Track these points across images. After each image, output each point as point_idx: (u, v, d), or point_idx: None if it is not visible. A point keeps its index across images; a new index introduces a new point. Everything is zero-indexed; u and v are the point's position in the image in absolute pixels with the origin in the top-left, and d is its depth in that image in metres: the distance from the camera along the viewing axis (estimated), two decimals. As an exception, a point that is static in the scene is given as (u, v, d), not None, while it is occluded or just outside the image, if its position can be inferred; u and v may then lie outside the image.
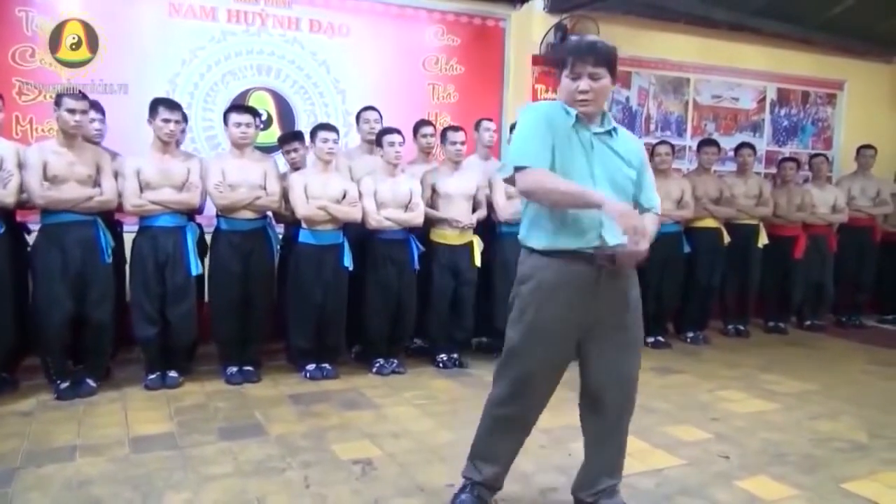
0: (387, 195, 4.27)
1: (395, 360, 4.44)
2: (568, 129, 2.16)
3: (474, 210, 4.59)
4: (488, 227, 4.73)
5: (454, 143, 4.48)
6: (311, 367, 4.25)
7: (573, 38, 2.28)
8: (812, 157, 6.46)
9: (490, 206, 4.65)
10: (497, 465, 2.49)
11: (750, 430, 3.52)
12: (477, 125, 5.05)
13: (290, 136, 4.58)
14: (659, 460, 3.06)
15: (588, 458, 2.46)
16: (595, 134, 2.20)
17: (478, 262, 4.57)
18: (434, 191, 4.50)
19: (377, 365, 4.39)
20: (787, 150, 6.82)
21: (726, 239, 5.60)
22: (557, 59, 2.21)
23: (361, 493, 2.68)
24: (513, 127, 2.55)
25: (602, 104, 2.21)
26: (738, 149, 5.90)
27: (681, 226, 5.45)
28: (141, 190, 3.83)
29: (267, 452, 3.05)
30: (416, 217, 4.33)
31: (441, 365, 4.56)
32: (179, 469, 2.86)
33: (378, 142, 4.35)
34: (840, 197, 6.21)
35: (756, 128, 6.75)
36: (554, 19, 5.59)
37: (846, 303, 6.45)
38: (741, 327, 5.90)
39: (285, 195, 4.19)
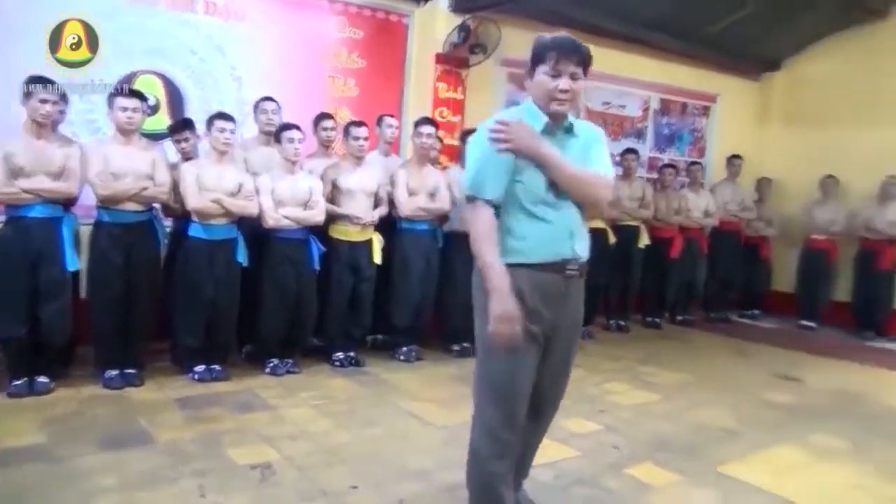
0: (285, 193, 4.15)
1: (290, 360, 4.33)
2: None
3: (375, 207, 4.56)
4: (389, 224, 4.71)
5: (357, 138, 4.41)
6: (199, 368, 4.05)
7: (545, 36, 2.14)
8: (689, 164, 6.94)
9: (391, 202, 4.64)
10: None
11: (635, 421, 3.73)
12: (379, 121, 5.02)
13: (182, 125, 4.34)
14: (555, 453, 3.17)
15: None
16: (558, 138, 2.14)
17: (378, 259, 4.54)
18: (335, 186, 4.42)
19: (271, 365, 4.26)
20: (666, 157, 7.26)
21: (612, 239, 5.90)
22: (535, 52, 2.13)
23: (261, 500, 2.60)
24: (466, 134, 2.50)
25: (575, 105, 2.20)
26: (623, 154, 6.22)
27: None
28: (12, 177, 3.50)
29: (155, 462, 2.88)
30: (316, 215, 4.23)
31: (337, 364, 4.49)
32: (55, 485, 2.63)
33: (277, 137, 4.21)
34: (712, 202, 6.70)
35: (640, 134, 7.13)
36: (458, 19, 5.63)
37: (715, 299, 6.98)
38: (622, 322, 6.24)
39: (175, 186, 3.98)
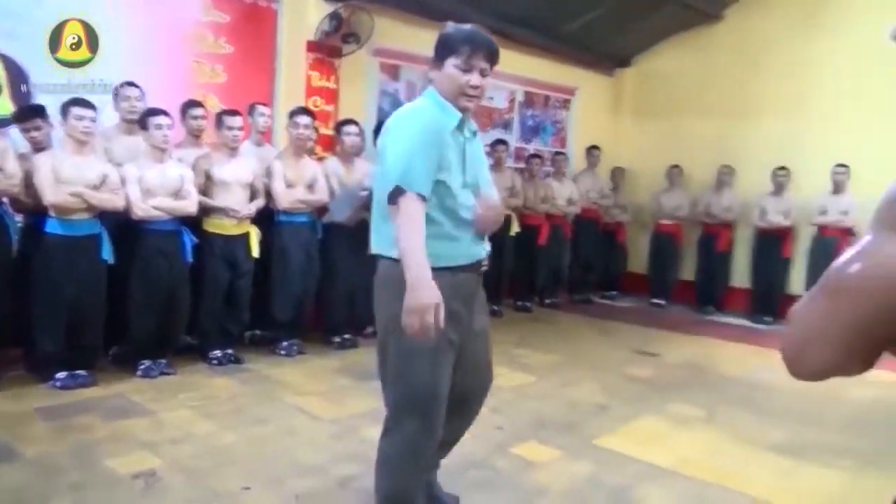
0: (154, 182, 3.93)
1: (164, 361, 4.12)
2: (450, 133, 2.05)
3: (251, 199, 4.42)
4: (265, 217, 4.59)
5: (231, 128, 4.26)
6: (61, 374, 3.76)
7: (459, 27, 2.08)
8: (554, 154, 7.31)
9: (268, 194, 4.52)
10: None
11: (515, 402, 3.93)
12: (251, 110, 4.87)
13: (31, 111, 3.95)
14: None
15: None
16: (467, 138, 2.13)
17: (256, 252, 4.42)
18: (208, 178, 4.24)
19: (143, 367, 4.03)
20: (531, 147, 7.60)
21: (485, 228, 6.10)
22: (446, 43, 2.06)
23: (150, 509, 2.49)
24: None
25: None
26: (493, 145, 6.44)
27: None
28: None
29: (23, 479, 2.67)
30: (189, 206, 4.05)
31: (215, 362, 4.33)
32: None
33: (142, 124, 3.97)
34: (575, 191, 7.11)
35: (507, 125, 7.40)
36: (328, 7, 5.54)
37: (578, 282, 7.44)
38: (495, 308, 6.49)
39: (27, 179, 3.64)
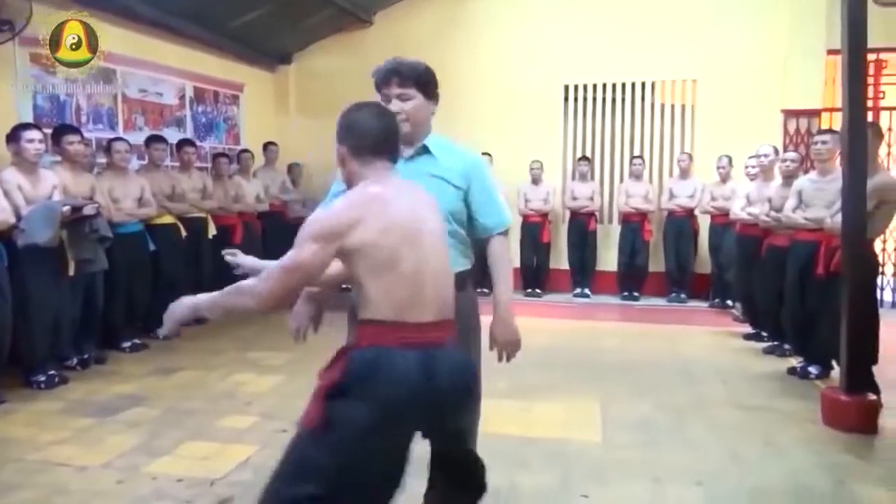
0: None
1: None
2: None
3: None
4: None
5: None
6: None
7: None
8: (240, 152, 7.23)
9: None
10: None
11: (282, 403, 4.01)
12: None
13: None
14: (239, 454, 3.26)
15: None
16: (408, 159, 2.14)
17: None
18: None
19: None
20: (206, 145, 7.36)
21: (183, 233, 5.83)
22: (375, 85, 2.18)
23: None
24: None
25: (420, 123, 2.16)
26: (178, 146, 6.13)
27: (143, 224, 5.41)
28: None
29: None
30: None
31: None
32: None
33: None
34: (261, 188, 7.16)
35: (180, 123, 7.03)
36: (-34, -13, 4.60)
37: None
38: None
39: None
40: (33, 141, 4.23)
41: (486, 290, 2.39)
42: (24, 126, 4.35)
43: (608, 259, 7.91)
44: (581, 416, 3.90)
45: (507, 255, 2.28)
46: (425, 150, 2.20)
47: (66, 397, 4.14)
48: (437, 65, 2.31)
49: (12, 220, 4.07)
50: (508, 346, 2.28)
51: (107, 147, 5.38)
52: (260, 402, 4.06)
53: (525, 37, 8.07)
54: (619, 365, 5.01)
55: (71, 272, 4.43)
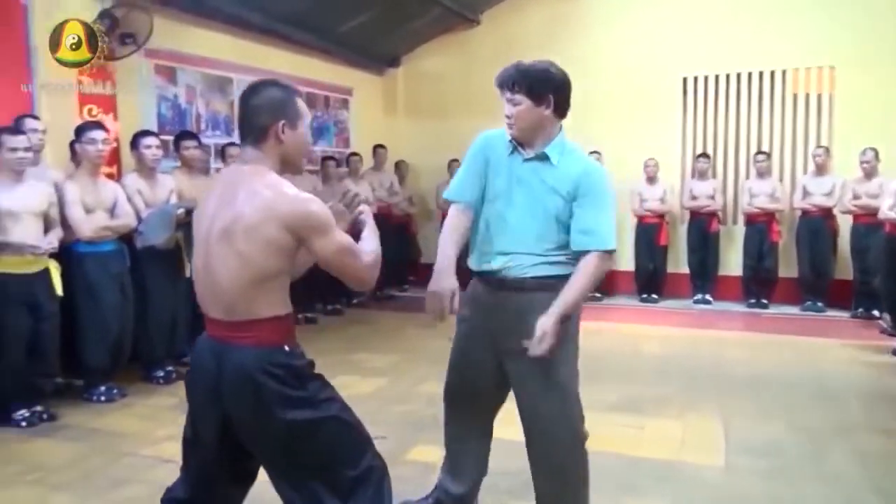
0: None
1: (-43, 435, 3.39)
2: (504, 156, 2.26)
3: (47, 230, 3.79)
4: (63, 248, 3.96)
5: (14, 149, 3.59)
6: None
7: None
8: (349, 155, 7.33)
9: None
10: (459, 482, 2.57)
11: (381, 409, 3.95)
12: (19, 124, 4.13)
13: None
14: (335, 459, 3.21)
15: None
16: (526, 160, 2.23)
17: (59, 290, 3.80)
18: (-9, 209, 3.54)
19: (-69, 447, 3.28)
20: (318, 149, 7.52)
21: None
22: None
23: None
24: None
25: (528, 127, 2.20)
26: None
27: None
28: None
29: None
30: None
31: (24, 423, 3.66)
32: None
33: None
34: (369, 190, 7.21)
35: (293, 128, 7.22)
36: (93, 3, 4.89)
37: (381, 279, 7.57)
38: (309, 315, 6.36)
39: None
40: (150, 147, 4.42)
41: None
42: (143, 133, 4.55)
43: (732, 263, 7.36)
44: (700, 436, 3.55)
45: (592, 271, 2.16)
46: (545, 157, 2.22)
47: (182, 394, 4.26)
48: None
49: (133, 223, 4.26)
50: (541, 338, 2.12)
51: (221, 152, 5.57)
52: (359, 407, 3.89)
53: (640, 28, 7.65)
54: (744, 380, 4.57)
55: (187, 273, 4.59)
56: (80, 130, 4.10)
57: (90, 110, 4.93)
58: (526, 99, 2.16)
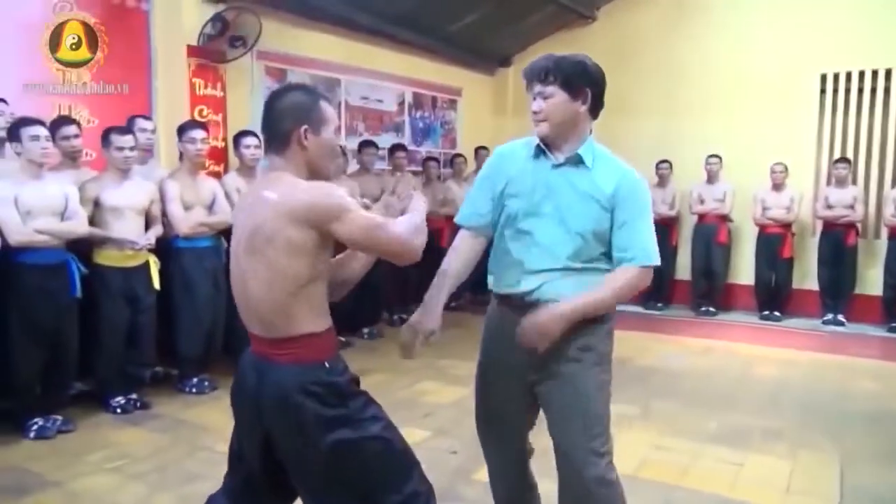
0: (33, 202, 3.40)
1: (58, 417, 3.60)
2: (525, 162, 2.03)
3: (148, 226, 3.97)
4: (163, 243, 4.14)
5: (121, 148, 3.78)
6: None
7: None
8: (453, 156, 7.26)
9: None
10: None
11: (461, 420, 3.80)
12: (130, 123, 4.36)
13: None
14: (402, 471, 3.10)
15: None
16: (555, 166, 1.99)
17: (157, 284, 3.97)
18: (97, 205, 3.75)
19: (35, 427, 3.49)
20: (423, 150, 7.51)
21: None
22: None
23: None
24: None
25: (561, 123, 1.95)
26: (391, 151, 6.27)
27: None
28: None
29: None
30: (78, 226, 3.58)
31: (119, 410, 3.86)
32: None
33: (13, 136, 3.42)
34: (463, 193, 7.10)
35: (398, 128, 7.25)
36: (207, 8, 5.11)
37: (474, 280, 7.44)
38: (404, 316, 6.34)
39: None
40: (249, 147, 4.53)
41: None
42: (243, 133, 4.67)
43: (871, 280, 6.57)
44: (811, 480, 3.13)
45: (621, 284, 1.96)
46: (579, 160, 1.98)
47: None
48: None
49: (231, 220, 4.37)
50: (529, 329, 1.94)
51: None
52: (438, 415, 3.90)
53: (771, 20, 7.01)
54: (872, 416, 4.02)
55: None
56: (181, 130, 4.24)
57: (201, 111, 5.15)
58: (560, 91, 1.93)
